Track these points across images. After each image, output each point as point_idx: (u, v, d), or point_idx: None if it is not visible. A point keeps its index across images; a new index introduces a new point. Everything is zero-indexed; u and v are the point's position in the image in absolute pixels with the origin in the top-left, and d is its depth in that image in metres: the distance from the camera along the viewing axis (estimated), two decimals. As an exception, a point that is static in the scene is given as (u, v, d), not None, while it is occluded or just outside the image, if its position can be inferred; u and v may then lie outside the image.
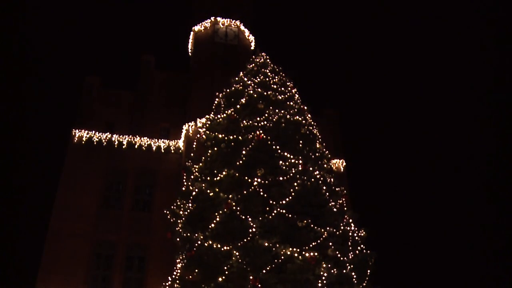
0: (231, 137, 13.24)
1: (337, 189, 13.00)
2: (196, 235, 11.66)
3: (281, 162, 12.53)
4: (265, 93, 14.46)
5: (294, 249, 10.77)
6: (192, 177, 13.26)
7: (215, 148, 13.46)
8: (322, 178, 12.42)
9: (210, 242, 11.34)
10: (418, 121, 59.30)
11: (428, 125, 57.95)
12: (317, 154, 13.52)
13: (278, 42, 61.95)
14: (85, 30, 63.88)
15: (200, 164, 13.45)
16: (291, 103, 14.51)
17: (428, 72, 62.44)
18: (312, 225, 11.34)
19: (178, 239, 12.32)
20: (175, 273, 12.27)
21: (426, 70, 63.41)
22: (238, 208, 11.46)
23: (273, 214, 11.36)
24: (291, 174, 12.07)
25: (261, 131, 12.89)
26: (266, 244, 10.80)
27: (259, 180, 11.95)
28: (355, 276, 11.03)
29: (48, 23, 59.17)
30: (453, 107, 58.62)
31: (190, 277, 12.13)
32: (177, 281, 11.90)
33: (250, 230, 11.07)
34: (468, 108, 58.48)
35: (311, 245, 10.97)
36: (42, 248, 19.23)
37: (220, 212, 11.59)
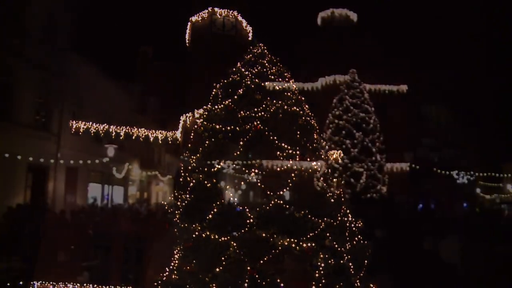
0: (229, 128, 13.18)
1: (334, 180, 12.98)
2: (194, 226, 11.63)
3: (278, 152, 12.49)
4: (262, 84, 14.39)
5: (292, 240, 10.76)
6: (189, 167, 13.21)
7: (213, 139, 13.41)
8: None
9: (208, 233, 11.31)
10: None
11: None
12: (314, 145, 13.49)
13: (275, 32, 61.69)
14: (83, 20, 63.39)
15: (198, 155, 13.40)
16: (289, 94, 14.44)
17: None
18: (309, 216, 11.32)
19: (175, 230, 12.30)
20: (172, 264, 12.27)
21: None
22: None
23: (270, 205, 11.33)
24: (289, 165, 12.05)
25: (258, 122, 12.83)
26: (264, 235, 10.79)
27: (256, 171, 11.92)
28: (352, 267, 11.05)
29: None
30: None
31: (188, 268, 12.12)
32: (175, 272, 11.90)
33: (248, 221, 11.05)
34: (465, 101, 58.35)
35: (308, 236, 10.96)
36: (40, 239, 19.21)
37: (218, 203, 11.56)
